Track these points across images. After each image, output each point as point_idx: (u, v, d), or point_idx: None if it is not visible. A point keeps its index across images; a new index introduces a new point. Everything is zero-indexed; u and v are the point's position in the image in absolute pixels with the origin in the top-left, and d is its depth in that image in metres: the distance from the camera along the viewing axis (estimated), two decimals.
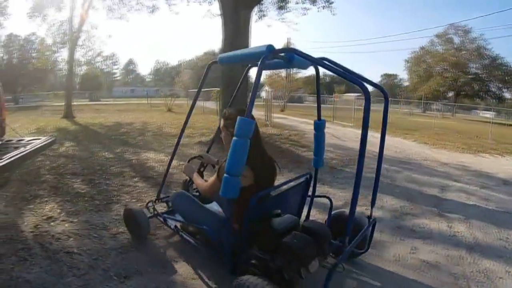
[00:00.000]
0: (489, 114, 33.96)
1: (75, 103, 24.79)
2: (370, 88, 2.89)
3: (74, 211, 4.87)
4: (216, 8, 12.75)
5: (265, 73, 39.32)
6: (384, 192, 6.34)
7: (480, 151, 12.40)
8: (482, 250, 4.27)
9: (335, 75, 3.06)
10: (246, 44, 10.49)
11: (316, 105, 3.97)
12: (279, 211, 3.01)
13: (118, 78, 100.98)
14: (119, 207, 5.07)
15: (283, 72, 38.49)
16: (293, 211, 3.44)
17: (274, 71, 36.17)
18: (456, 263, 3.92)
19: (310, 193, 3.90)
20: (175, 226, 3.72)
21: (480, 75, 51.96)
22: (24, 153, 3.28)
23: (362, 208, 5.42)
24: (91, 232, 4.25)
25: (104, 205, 5.13)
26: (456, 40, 53.00)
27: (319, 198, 4.16)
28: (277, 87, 26.63)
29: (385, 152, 9.94)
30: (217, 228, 2.98)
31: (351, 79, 2.71)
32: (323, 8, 12.95)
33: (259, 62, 2.52)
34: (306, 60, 2.84)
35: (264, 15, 13.95)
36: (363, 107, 2.41)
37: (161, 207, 4.58)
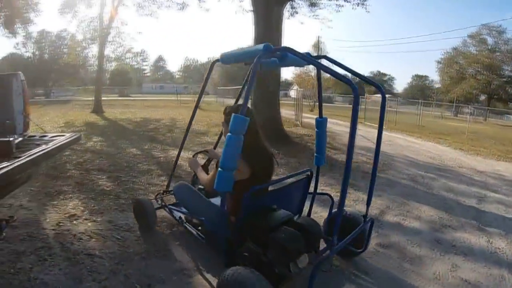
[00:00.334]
0: None
1: (104, 98, 24.99)
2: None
3: (98, 210, 4.70)
4: (248, 4, 12.47)
5: (293, 72, 38.99)
6: (421, 201, 6.00)
7: None
8: None
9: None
10: (278, 42, 10.27)
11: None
12: (275, 206, 3.07)
13: (147, 74, 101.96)
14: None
15: (312, 72, 38.00)
16: (293, 207, 3.46)
17: (303, 70, 35.93)
18: (497, 283, 3.60)
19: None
20: (180, 217, 3.80)
21: None
22: (45, 151, 3.07)
23: (399, 218, 5.11)
24: (114, 233, 4.06)
25: (129, 205, 4.87)
26: (490, 41, 50.88)
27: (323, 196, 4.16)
28: (307, 86, 26.20)
29: (420, 157, 9.68)
30: (214, 219, 3.02)
31: (339, 78, 2.72)
32: (358, 5, 12.61)
33: (255, 60, 2.62)
34: (301, 58, 2.88)
35: (296, 12, 13.66)
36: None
37: (170, 200, 4.51)
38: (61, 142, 3.46)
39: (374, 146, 3.47)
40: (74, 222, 4.29)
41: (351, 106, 3.41)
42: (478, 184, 7.62)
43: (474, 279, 3.62)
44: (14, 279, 3.05)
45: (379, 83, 3.42)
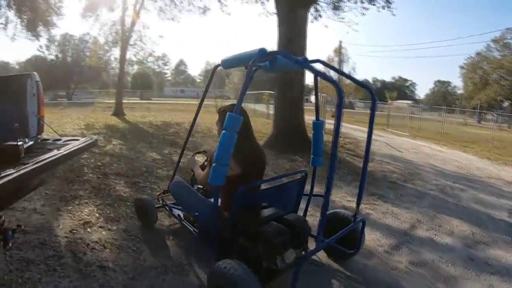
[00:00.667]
0: None
1: (125, 101, 25.06)
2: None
3: (114, 217, 4.48)
4: (272, 6, 12.31)
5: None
6: (452, 214, 5.71)
7: None
8: None
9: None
10: (302, 45, 10.01)
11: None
12: (266, 203, 3.27)
13: (168, 78, 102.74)
14: (163, 217, 4.61)
15: (334, 77, 37.70)
16: (287, 206, 3.55)
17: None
18: None
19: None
20: (178, 215, 3.89)
21: None
22: (55, 157, 2.84)
23: (430, 233, 4.81)
24: (130, 244, 3.83)
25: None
26: None
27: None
28: (328, 92, 25.84)
29: (446, 167, 9.29)
30: (207, 214, 3.15)
31: (326, 78, 3.00)
32: (383, 8, 12.27)
33: (249, 64, 2.75)
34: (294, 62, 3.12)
35: (319, 16, 13.37)
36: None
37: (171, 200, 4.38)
38: (74, 147, 3.23)
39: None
40: (88, 229, 4.07)
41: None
42: (508, 196, 7.29)
43: None
44: None
45: (371, 87, 3.59)
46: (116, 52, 23.64)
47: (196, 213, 3.37)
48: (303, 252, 3.12)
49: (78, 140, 3.61)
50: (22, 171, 2.30)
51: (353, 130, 17.54)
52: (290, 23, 9.79)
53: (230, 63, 3.31)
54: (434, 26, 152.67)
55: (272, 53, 2.96)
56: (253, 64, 2.77)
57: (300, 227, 3.11)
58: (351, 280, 3.57)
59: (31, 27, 20.36)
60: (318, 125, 3.88)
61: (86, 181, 5.88)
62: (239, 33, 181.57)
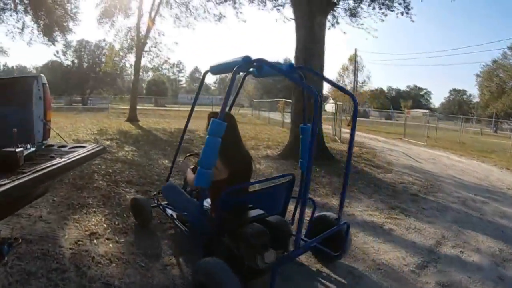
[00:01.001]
0: None
1: (140, 107, 25.05)
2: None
3: (122, 229, 4.24)
4: (290, 12, 12.13)
5: (329, 86, 38.27)
6: (477, 229, 5.36)
7: None
8: None
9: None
10: (321, 52, 9.77)
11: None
12: (251, 205, 3.30)
13: (183, 85, 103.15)
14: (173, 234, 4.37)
15: (348, 86, 37.39)
16: (274, 209, 3.53)
17: (339, 84, 35.31)
18: None
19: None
20: (171, 215, 3.97)
21: None
22: (56, 166, 2.58)
23: (457, 250, 4.52)
24: (137, 259, 3.57)
25: (157, 225, 4.47)
26: None
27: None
28: (343, 100, 25.53)
29: (466, 178, 8.96)
30: (195, 215, 3.25)
31: (301, 84, 3.28)
32: (402, 14, 12.00)
33: (233, 71, 2.93)
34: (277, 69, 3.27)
35: (337, 22, 13.15)
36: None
37: None
38: (79, 155, 2.97)
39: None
40: (95, 241, 3.84)
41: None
42: None
43: None
44: None
45: (353, 94, 3.76)
46: (131, 59, 23.68)
47: (185, 213, 3.48)
48: (285, 253, 3.16)
49: (85, 147, 3.35)
50: (16, 182, 2.06)
51: (369, 139, 17.20)
52: (308, 29, 9.56)
53: (217, 69, 3.57)
54: (449, 33, 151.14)
55: (256, 60, 3.08)
56: (238, 70, 2.98)
57: (281, 228, 3.18)
58: None
59: (47, 32, 20.52)
60: (305, 129, 3.92)
61: (96, 188, 5.69)
62: (255, 40, 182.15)
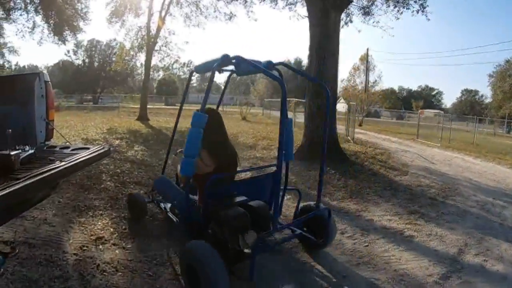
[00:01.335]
0: None
1: (150, 106, 24.95)
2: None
3: (130, 234, 4.05)
4: (303, 10, 11.94)
5: (340, 86, 37.92)
6: (499, 236, 5.08)
7: None
8: None
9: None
10: (335, 50, 9.50)
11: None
12: (235, 193, 3.44)
13: (194, 84, 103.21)
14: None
15: (359, 85, 36.90)
16: (260, 198, 3.55)
17: (349, 83, 34.94)
18: None
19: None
20: (164, 208, 4.17)
21: None
22: (55, 171, 2.35)
23: (480, 259, 4.28)
24: (145, 267, 3.37)
25: (166, 232, 4.24)
26: None
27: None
28: (356, 100, 25.19)
29: (483, 180, 8.70)
30: (183, 204, 3.39)
31: (271, 76, 3.25)
32: (417, 12, 11.72)
33: (213, 68, 3.22)
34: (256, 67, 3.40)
35: (350, 21, 12.91)
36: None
37: None
38: (81, 158, 2.75)
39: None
40: (100, 247, 3.66)
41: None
42: None
43: None
44: None
45: (326, 86, 3.94)
46: (141, 58, 23.59)
47: (175, 202, 3.76)
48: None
49: (88, 149, 3.14)
50: (7, 190, 1.85)
51: (382, 140, 16.89)
52: (322, 27, 9.29)
53: (201, 68, 3.77)
54: (462, 33, 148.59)
55: (233, 58, 3.31)
56: (216, 68, 3.26)
57: (261, 212, 3.29)
58: None
59: (58, 32, 20.60)
60: (287, 123, 3.89)
61: (103, 189, 5.53)
62: (267, 39, 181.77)
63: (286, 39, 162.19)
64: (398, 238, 4.51)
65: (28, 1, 19.47)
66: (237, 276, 3.05)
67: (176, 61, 24.31)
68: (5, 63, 25.22)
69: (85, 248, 3.58)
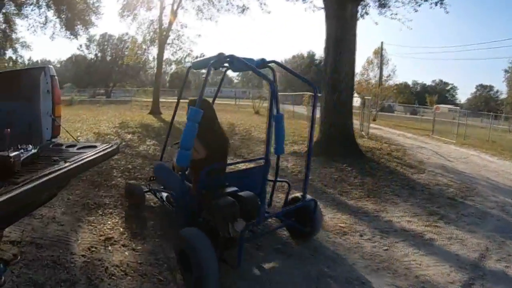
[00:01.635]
0: None
1: (163, 100, 24.88)
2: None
3: (140, 235, 3.91)
4: (318, 1, 11.70)
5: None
6: None
7: None
8: None
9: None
10: (352, 43, 9.27)
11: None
12: (227, 183, 3.68)
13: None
14: None
15: (373, 79, 36.41)
16: (251, 190, 3.63)
17: (362, 77, 34.54)
18: None
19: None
20: (161, 197, 4.43)
21: None
22: (58, 173, 2.19)
23: (502, 265, 4.05)
24: (156, 271, 3.22)
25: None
26: None
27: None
28: (370, 94, 24.80)
29: (501, 180, 8.52)
30: (179, 191, 3.61)
31: (260, 75, 3.59)
32: (436, 5, 11.40)
33: (208, 66, 3.53)
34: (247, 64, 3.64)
35: (366, 13, 12.60)
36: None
37: None
38: (87, 158, 2.58)
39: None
40: (109, 248, 3.53)
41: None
42: None
43: None
44: None
45: (314, 84, 4.12)
46: (154, 51, 23.54)
47: (172, 193, 3.97)
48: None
49: (95, 147, 2.98)
50: (3, 197, 1.69)
51: (397, 135, 16.61)
52: (339, 19, 9.05)
53: (197, 65, 4.11)
54: (477, 27, 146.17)
55: (228, 56, 3.58)
56: (212, 65, 3.56)
57: (250, 201, 3.42)
58: None
59: (70, 26, 20.74)
60: (278, 118, 4.14)
61: (114, 186, 5.43)
62: (280, 32, 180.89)
63: (298, 32, 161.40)
64: (418, 241, 4.31)
65: None
66: (229, 264, 3.16)
67: (189, 54, 24.12)
68: (18, 58, 25.33)
69: (93, 249, 3.46)
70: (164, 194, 4.38)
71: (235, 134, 12.07)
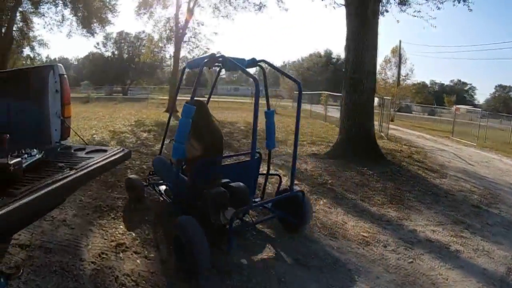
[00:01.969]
0: None
1: (179, 97, 24.87)
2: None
3: (153, 241, 3.76)
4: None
5: None
6: None
7: None
8: None
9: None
10: (374, 41, 8.98)
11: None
12: (220, 175, 3.87)
13: (223, 76, 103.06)
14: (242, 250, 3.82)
15: (390, 79, 35.92)
16: (244, 182, 3.83)
17: (379, 77, 34.09)
18: None
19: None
20: (159, 191, 4.62)
21: None
22: (63, 182, 2.00)
23: None
24: (168, 281, 3.05)
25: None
26: None
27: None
28: (386, 94, 24.37)
29: None
30: (175, 182, 3.86)
31: (248, 75, 3.68)
32: (458, 2, 11.05)
33: (201, 66, 3.87)
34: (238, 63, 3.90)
35: (386, 11, 12.29)
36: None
37: None
38: (96, 164, 2.38)
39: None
40: (121, 255, 3.37)
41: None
42: None
43: None
44: None
45: (298, 81, 4.36)
46: (170, 49, 23.57)
47: (169, 184, 4.28)
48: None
49: (105, 151, 2.80)
50: None
51: (416, 137, 16.30)
52: (360, 16, 8.77)
53: (191, 65, 4.51)
54: (496, 25, 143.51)
55: (220, 57, 3.89)
56: (205, 65, 3.86)
57: (239, 191, 3.65)
58: None
59: (86, 24, 21.03)
60: (269, 114, 4.33)
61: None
62: (297, 30, 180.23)
63: (316, 30, 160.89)
64: (444, 253, 4.07)
65: None
66: (222, 249, 3.53)
67: (205, 52, 24.04)
68: (36, 56, 25.58)
69: (104, 255, 3.31)
70: (163, 188, 4.60)
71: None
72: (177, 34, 20.64)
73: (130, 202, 4.77)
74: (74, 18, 20.91)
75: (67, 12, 20.93)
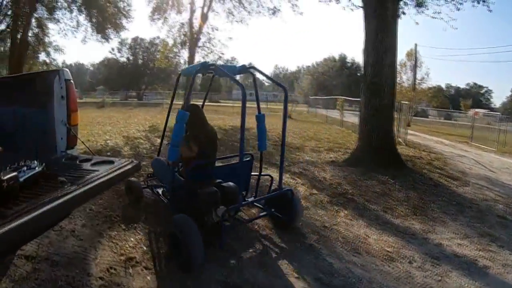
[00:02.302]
0: None
1: (194, 102, 24.85)
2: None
3: (165, 255, 3.58)
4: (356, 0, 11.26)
5: None
6: None
7: None
8: None
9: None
10: (393, 44, 8.70)
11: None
12: (213, 176, 4.14)
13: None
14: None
15: (405, 82, 35.37)
16: (236, 182, 4.01)
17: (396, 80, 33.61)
18: None
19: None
20: (157, 192, 4.79)
21: None
22: (61, 201, 1.79)
23: None
24: None
25: (209, 254, 3.54)
26: None
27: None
28: (402, 98, 23.92)
29: None
30: (171, 182, 4.01)
31: (235, 82, 3.99)
32: (478, 3, 10.74)
33: (193, 73, 4.28)
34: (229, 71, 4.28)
35: (403, 13, 12.02)
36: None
37: None
38: (100, 179, 2.17)
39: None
40: (130, 270, 3.19)
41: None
42: None
43: None
44: None
45: (284, 85, 4.70)
46: (185, 54, 23.61)
47: (166, 185, 4.51)
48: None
49: (113, 162, 2.59)
50: None
51: (434, 142, 15.92)
52: (379, 18, 8.55)
53: (185, 72, 4.99)
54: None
55: (211, 65, 4.21)
56: (197, 72, 4.25)
57: (231, 191, 3.87)
58: None
59: (101, 30, 21.32)
60: (260, 117, 4.59)
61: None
62: (311, 34, 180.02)
63: (330, 35, 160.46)
64: (473, 269, 3.79)
65: (71, 0, 20.40)
66: (216, 246, 3.66)
67: (220, 57, 24.02)
68: (51, 61, 25.91)
69: (112, 270, 3.14)
70: (160, 190, 4.79)
71: (268, 139, 11.64)
72: (192, 39, 20.63)
73: (130, 204, 4.88)
74: (88, 24, 21.27)
75: (81, 18, 21.29)
